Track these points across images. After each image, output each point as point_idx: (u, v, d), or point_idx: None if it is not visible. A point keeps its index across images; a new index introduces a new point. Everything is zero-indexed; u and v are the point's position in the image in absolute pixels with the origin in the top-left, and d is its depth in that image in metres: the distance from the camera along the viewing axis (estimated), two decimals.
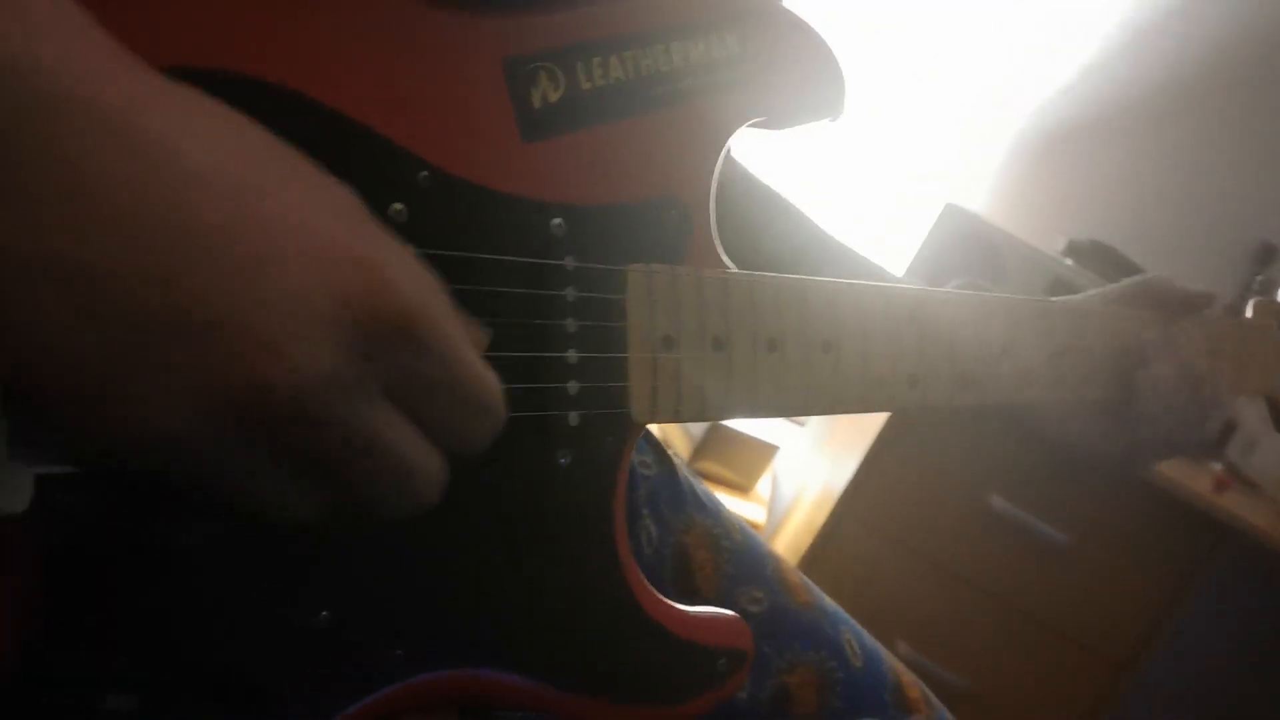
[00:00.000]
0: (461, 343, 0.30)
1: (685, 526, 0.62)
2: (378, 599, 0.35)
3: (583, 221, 0.38)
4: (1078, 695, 1.55)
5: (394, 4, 0.34)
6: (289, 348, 0.26)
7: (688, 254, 0.42)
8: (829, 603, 0.65)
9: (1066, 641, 1.54)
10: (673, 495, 0.62)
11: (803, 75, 0.44)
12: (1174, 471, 1.43)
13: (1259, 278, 0.80)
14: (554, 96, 0.37)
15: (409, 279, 0.29)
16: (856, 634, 0.64)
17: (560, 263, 0.38)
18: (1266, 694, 1.91)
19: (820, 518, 1.57)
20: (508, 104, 0.36)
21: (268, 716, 0.34)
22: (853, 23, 1.70)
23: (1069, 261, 1.53)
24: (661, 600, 0.43)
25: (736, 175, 0.61)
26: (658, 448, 0.64)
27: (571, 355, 0.38)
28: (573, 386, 0.39)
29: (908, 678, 0.65)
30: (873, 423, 1.51)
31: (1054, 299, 0.59)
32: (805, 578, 0.65)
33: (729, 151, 0.43)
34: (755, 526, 1.37)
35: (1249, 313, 0.71)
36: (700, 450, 1.69)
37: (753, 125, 0.43)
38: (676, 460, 0.65)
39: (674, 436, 1.74)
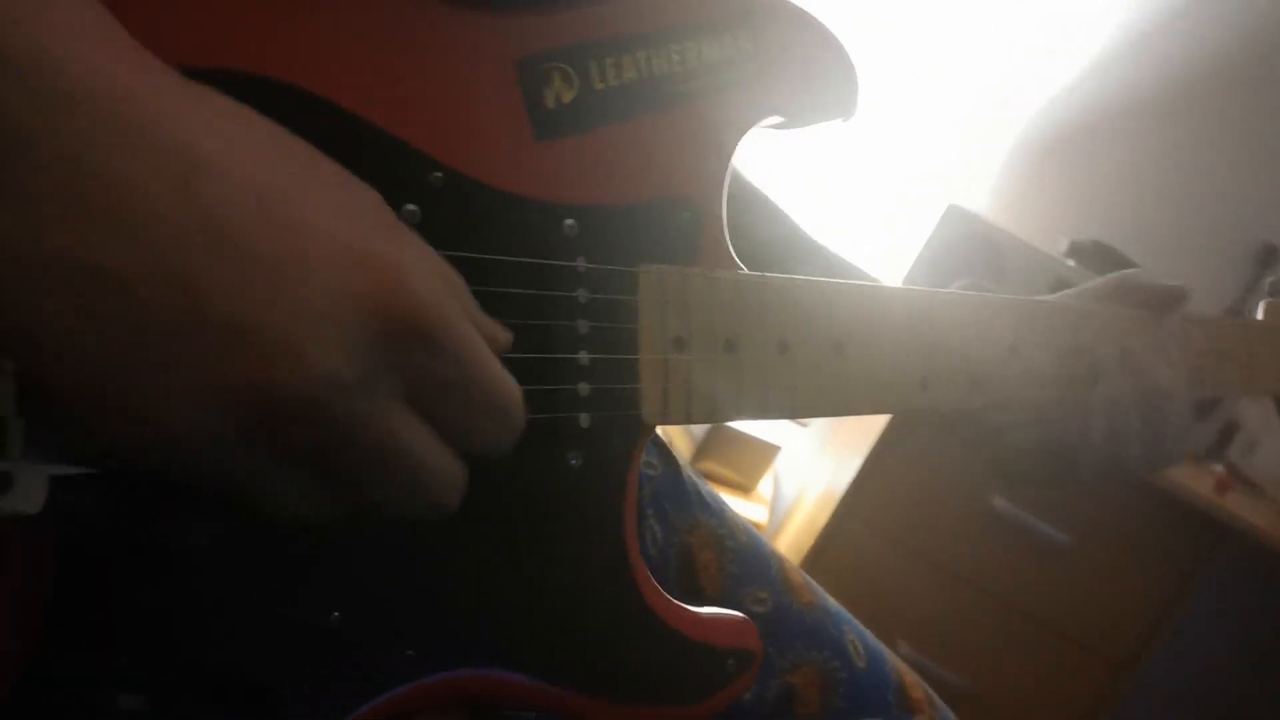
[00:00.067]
0: (479, 344, 0.30)
1: (690, 527, 0.62)
2: (389, 600, 0.35)
3: (594, 222, 0.38)
4: (1078, 695, 1.56)
5: (406, 3, 0.34)
6: (309, 350, 0.26)
7: (699, 255, 0.41)
8: (832, 603, 0.65)
9: (1067, 642, 1.55)
10: (677, 496, 0.62)
11: (816, 75, 0.44)
12: (1175, 472, 1.43)
13: (1270, 279, 0.79)
14: (567, 97, 0.37)
15: (427, 280, 0.29)
16: (860, 634, 0.64)
17: (572, 264, 0.38)
18: (1266, 694, 1.91)
19: (822, 518, 1.57)
20: (521, 104, 0.36)
21: (278, 717, 0.34)
22: (854, 23, 1.70)
23: (1071, 262, 1.53)
24: (670, 601, 0.43)
25: None
26: (662, 448, 0.64)
27: (583, 357, 0.38)
28: (584, 388, 0.38)
29: (911, 678, 0.65)
30: (875, 423, 1.51)
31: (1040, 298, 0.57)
32: (808, 578, 0.65)
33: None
34: (757, 527, 1.37)
35: (1260, 315, 0.71)
36: (702, 450, 1.69)
37: (765, 126, 0.43)
38: (680, 460, 0.65)
39: (675, 436, 1.74)
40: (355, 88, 0.32)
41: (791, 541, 1.73)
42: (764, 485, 1.80)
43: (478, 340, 0.30)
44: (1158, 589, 1.50)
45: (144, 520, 0.30)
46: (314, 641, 0.34)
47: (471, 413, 0.31)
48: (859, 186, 1.78)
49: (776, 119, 0.43)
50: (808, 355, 0.44)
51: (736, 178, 0.61)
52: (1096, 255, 1.57)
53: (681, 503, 0.62)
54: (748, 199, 0.61)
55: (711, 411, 0.41)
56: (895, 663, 0.65)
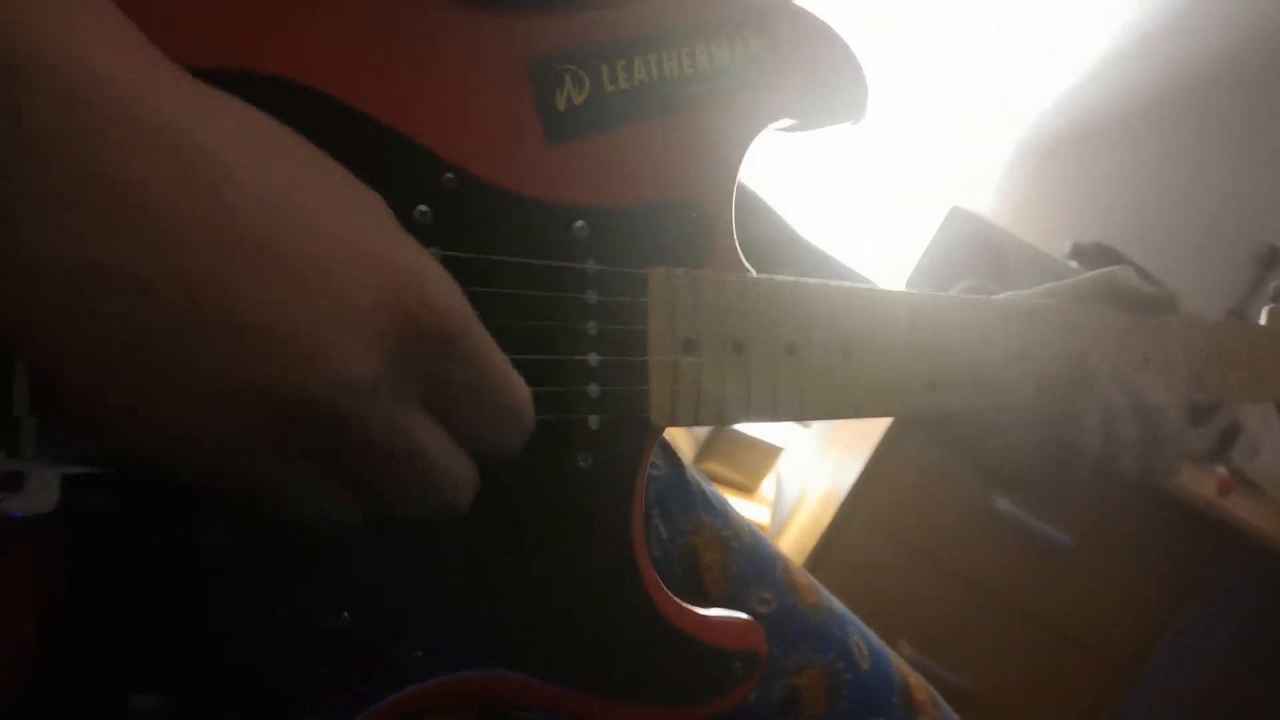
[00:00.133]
0: (493, 348, 0.31)
1: (694, 528, 0.62)
2: (399, 600, 0.35)
3: (605, 224, 0.38)
4: (1080, 696, 1.56)
5: (417, 3, 0.34)
6: (331, 355, 0.26)
7: (708, 257, 0.41)
8: (836, 604, 0.65)
9: (1069, 642, 1.55)
10: (682, 496, 0.62)
11: (826, 78, 0.44)
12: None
13: (1275, 284, 0.79)
14: (578, 99, 0.37)
15: (444, 284, 0.29)
16: (864, 635, 0.64)
17: (582, 266, 0.38)
18: (1268, 695, 1.91)
19: (824, 519, 1.57)
20: (532, 106, 0.36)
21: (288, 717, 0.34)
22: (856, 23, 1.70)
23: (1074, 264, 1.53)
24: (677, 603, 0.43)
25: None
26: (667, 449, 0.64)
27: (592, 358, 0.38)
28: (593, 390, 0.39)
29: (915, 679, 0.65)
30: (877, 424, 1.51)
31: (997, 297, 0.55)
32: (813, 579, 0.65)
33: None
34: (759, 527, 1.37)
35: (1263, 319, 0.71)
36: (705, 451, 1.69)
37: (775, 129, 0.43)
38: (685, 461, 0.65)
39: (678, 437, 1.74)
40: (367, 88, 0.32)
41: (793, 542, 1.73)
42: (766, 486, 1.80)
43: (491, 344, 0.31)
44: (1160, 590, 1.50)
45: (156, 520, 0.30)
46: (324, 642, 0.34)
47: (484, 415, 0.31)
48: (862, 188, 1.78)
49: (786, 122, 0.43)
50: (816, 358, 0.44)
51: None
52: (1099, 257, 1.57)
53: (686, 504, 0.62)
54: (737, 197, 0.61)
55: (720, 413, 0.42)
56: (899, 664, 0.65)
